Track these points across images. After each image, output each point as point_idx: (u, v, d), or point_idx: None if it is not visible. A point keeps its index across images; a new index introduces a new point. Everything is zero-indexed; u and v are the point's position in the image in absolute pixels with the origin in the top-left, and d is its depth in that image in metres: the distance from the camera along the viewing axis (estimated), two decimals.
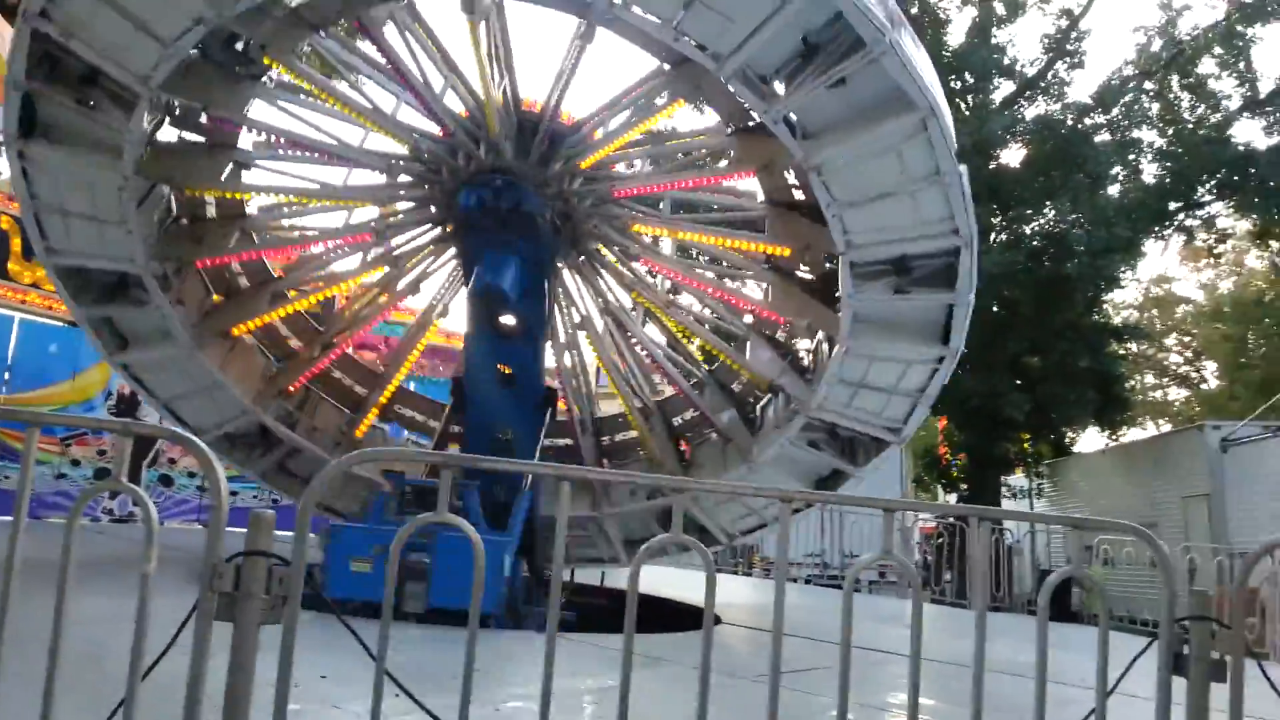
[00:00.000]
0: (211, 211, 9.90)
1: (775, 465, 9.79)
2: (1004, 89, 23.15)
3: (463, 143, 9.12)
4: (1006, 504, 23.11)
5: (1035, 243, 20.53)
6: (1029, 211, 21.22)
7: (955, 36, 23.15)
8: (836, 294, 8.74)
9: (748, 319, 10.85)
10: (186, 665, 2.49)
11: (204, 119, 9.20)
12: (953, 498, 24.29)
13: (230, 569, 2.55)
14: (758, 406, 10.61)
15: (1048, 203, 20.70)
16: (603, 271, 10.57)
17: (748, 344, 10.68)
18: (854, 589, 12.25)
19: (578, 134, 9.32)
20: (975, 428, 20.99)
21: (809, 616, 9.86)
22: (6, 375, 13.09)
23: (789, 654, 7.61)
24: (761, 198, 10.00)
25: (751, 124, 9.09)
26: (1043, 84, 22.70)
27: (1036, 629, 3.27)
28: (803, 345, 10.47)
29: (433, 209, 9.86)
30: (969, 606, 13.12)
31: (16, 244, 13.35)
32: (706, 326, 11.24)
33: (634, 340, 11.20)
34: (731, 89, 7.51)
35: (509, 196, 8.89)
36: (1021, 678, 6.89)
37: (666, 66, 8.73)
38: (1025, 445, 23.85)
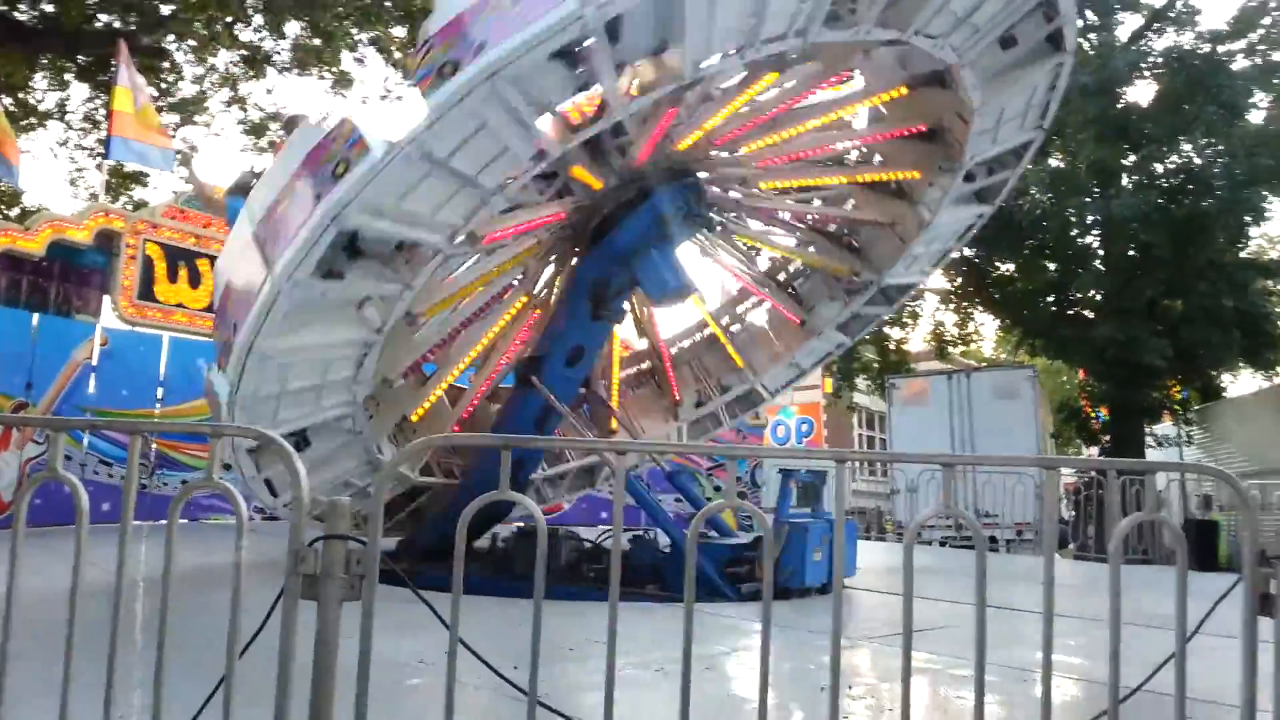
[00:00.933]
0: None
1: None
2: (1130, 23, 22.14)
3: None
4: (1153, 454, 22.11)
5: (1169, 181, 19.57)
6: (1162, 149, 20.26)
7: None
8: None
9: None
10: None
11: None
12: (1094, 451, 23.46)
13: (311, 552, 2.78)
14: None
15: (1181, 138, 19.72)
16: None
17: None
18: (992, 548, 12.10)
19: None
20: (1114, 378, 20.17)
21: (940, 578, 9.76)
22: (160, 392, 14.04)
23: (918, 615, 7.61)
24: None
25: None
26: (1171, 14, 21.59)
27: (1109, 573, 3.23)
28: None
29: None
30: (1108, 561, 12.69)
31: (161, 268, 14.28)
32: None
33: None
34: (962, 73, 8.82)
35: (697, 197, 9.55)
36: (1163, 630, 6.71)
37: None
38: (1174, 392, 22.85)
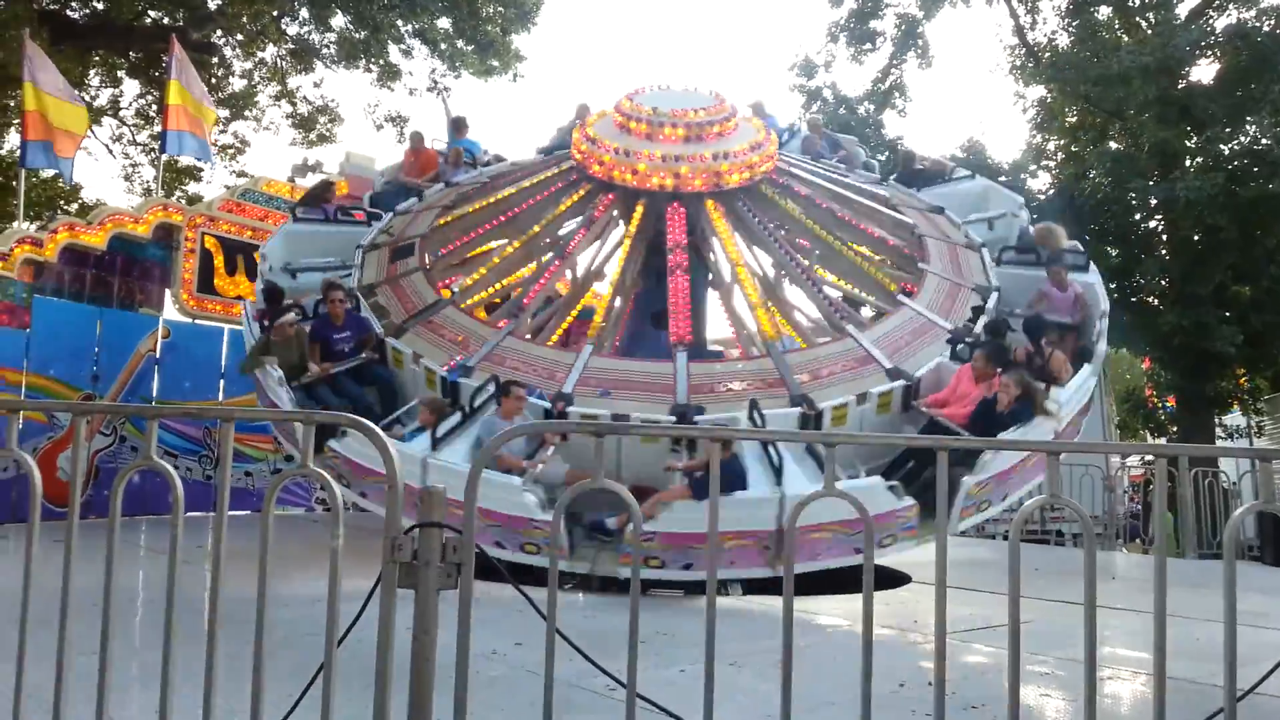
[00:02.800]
0: None
1: None
2: (1189, 1, 21.60)
3: None
4: (1223, 445, 21.55)
5: (1235, 163, 19.02)
6: (1226, 130, 19.71)
7: None
8: None
9: None
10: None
11: None
12: (1162, 442, 22.93)
13: (408, 540, 2.72)
14: None
15: (1247, 119, 19.18)
16: None
17: None
18: (1057, 541, 11.91)
19: None
20: (1181, 366, 19.67)
21: (1005, 573, 9.56)
22: (222, 382, 14.20)
23: (982, 611, 7.49)
24: None
25: None
26: None
27: (1224, 569, 3.06)
28: None
29: None
30: (1183, 554, 12.45)
31: (220, 261, 14.41)
32: None
33: None
34: None
35: None
36: (1253, 627, 6.53)
37: None
38: (1241, 381, 22.25)
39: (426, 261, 10.92)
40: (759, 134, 11.07)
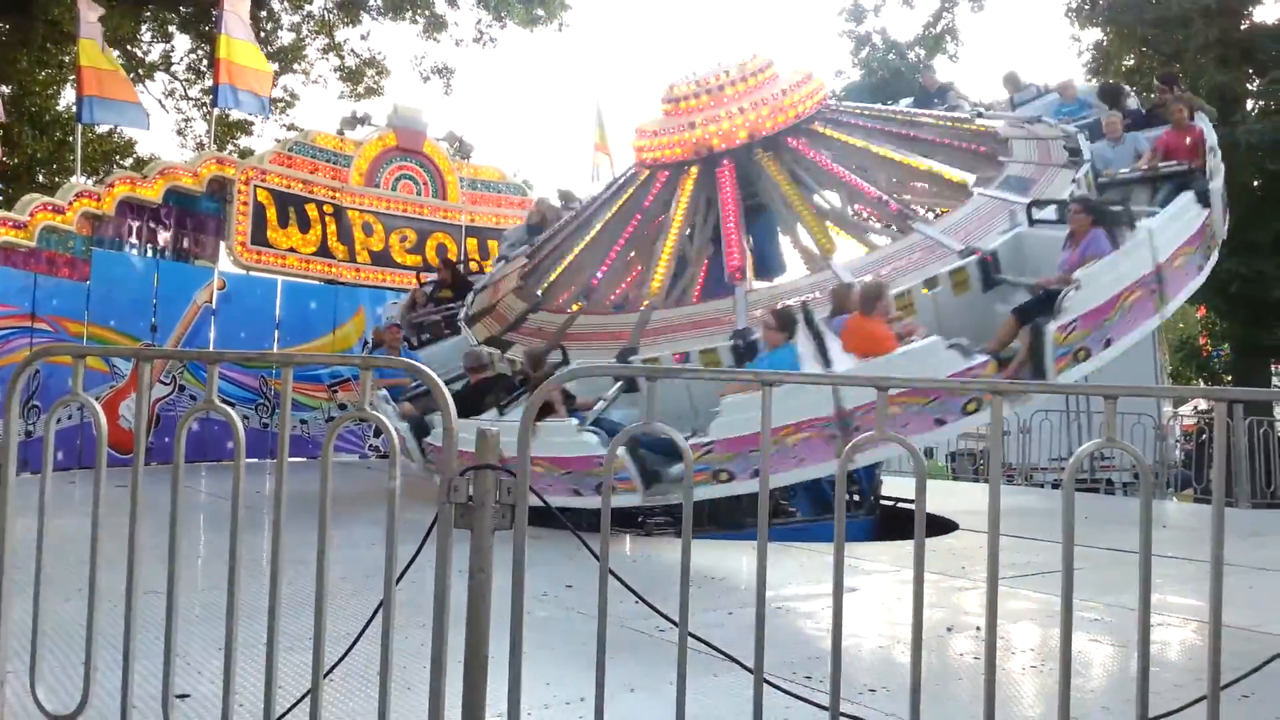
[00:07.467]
0: None
1: None
2: None
3: None
4: None
5: None
6: None
7: None
8: None
9: None
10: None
11: None
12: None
13: (464, 482, 2.78)
14: None
15: None
16: None
17: None
18: (1107, 491, 11.77)
19: None
20: (1238, 315, 19.32)
21: (1054, 520, 9.54)
22: (276, 333, 14.46)
23: (1031, 558, 7.50)
24: None
25: None
26: None
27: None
28: None
29: None
30: (1236, 504, 12.30)
31: (273, 214, 14.59)
32: None
33: None
34: None
35: None
36: None
37: None
38: None
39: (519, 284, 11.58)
40: (795, 77, 11.17)
